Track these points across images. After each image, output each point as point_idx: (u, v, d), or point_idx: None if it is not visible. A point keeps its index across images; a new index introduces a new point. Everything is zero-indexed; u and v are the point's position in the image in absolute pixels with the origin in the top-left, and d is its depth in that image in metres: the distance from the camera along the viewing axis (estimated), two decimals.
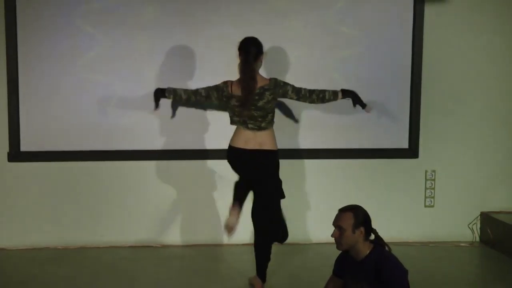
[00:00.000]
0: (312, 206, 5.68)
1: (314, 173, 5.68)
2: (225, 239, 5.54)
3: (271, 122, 4.55)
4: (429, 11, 5.57)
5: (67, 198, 5.50)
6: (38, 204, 5.49)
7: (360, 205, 3.42)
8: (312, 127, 5.59)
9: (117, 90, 5.40)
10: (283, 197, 4.63)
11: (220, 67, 5.30)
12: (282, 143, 5.42)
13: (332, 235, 3.38)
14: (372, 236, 3.41)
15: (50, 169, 5.46)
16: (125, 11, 5.36)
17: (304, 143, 5.61)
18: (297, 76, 5.43)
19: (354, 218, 3.32)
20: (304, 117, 5.56)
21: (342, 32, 5.54)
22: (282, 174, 5.32)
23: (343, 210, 3.39)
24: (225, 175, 5.22)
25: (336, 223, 3.37)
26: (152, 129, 5.44)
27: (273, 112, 4.57)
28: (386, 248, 3.39)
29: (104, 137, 5.44)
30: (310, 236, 5.67)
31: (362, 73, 5.58)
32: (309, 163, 5.65)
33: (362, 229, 3.33)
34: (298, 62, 5.51)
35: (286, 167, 5.46)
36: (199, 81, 5.17)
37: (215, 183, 5.55)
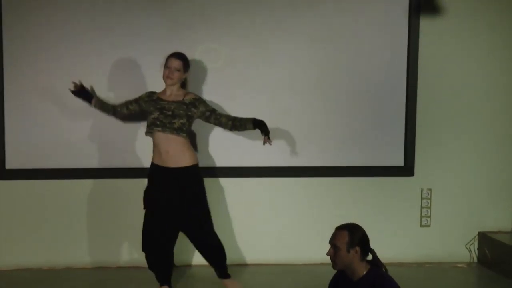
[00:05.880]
0: (303, 226, 5.60)
1: (303, 191, 5.60)
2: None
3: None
4: (424, 25, 5.54)
5: (53, 217, 5.41)
6: (22, 224, 5.39)
7: (357, 224, 3.38)
8: (300, 143, 5.51)
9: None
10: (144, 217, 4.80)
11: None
12: (272, 161, 5.49)
13: (327, 254, 3.35)
14: (370, 257, 3.36)
15: (36, 187, 5.38)
16: (118, 24, 5.30)
17: (293, 161, 5.52)
18: (290, 91, 5.44)
19: (349, 237, 3.29)
20: (290, 133, 5.48)
21: (336, 47, 5.50)
22: (273, 193, 5.24)
23: (339, 228, 3.36)
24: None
25: (332, 241, 3.33)
26: (144, 147, 5.28)
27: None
28: (383, 269, 3.35)
29: (93, 154, 5.36)
30: (303, 256, 5.59)
31: (355, 88, 5.53)
32: (297, 181, 5.57)
33: (357, 248, 3.28)
34: (290, 79, 5.47)
35: (277, 186, 5.55)
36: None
37: None
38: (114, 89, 5.30)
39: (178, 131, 4.62)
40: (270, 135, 4.79)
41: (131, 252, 5.45)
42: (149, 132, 4.72)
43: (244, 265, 5.54)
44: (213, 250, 4.81)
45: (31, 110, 5.30)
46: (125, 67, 5.34)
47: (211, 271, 4.93)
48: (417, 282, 5.17)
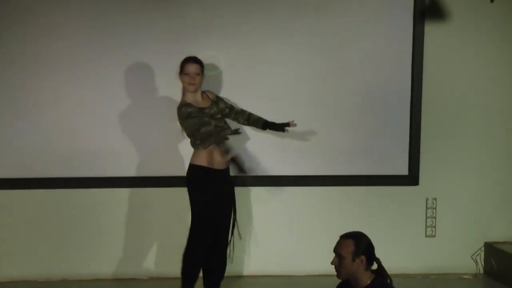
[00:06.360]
0: (306, 235, 5.55)
1: (306, 201, 5.55)
2: None
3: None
4: (429, 32, 5.50)
5: (46, 228, 5.35)
6: (16, 235, 5.33)
7: (363, 232, 3.36)
8: (303, 152, 5.46)
9: (100, 113, 5.28)
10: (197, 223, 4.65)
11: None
12: (274, 170, 5.44)
13: (331, 263, 3.32)
14: (375, 266, 3.33)
15: (29, 197, 5.31)
16: (117, 27, 5.27)
17: (295, 170, 5.48)
18: (293, 100, 5.41)
19: (354, 246, 3.27)
20: (294, 142, 5.43)
21: (339, 54, 5.46)
22: (275, 202, 5.15)
23: (344, 237, 3.34)
24: None
25: (336, 250, 3.31)
26: (139, 154, 5.32)
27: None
28: (388, 280, 3.33)
29: (86, 163, 5.30)
30: (305, 268, 5.52)
31: (360, 96, 5.49)
32: (300, 190, 5.52)
33: (362, 257, 3.26)
34: (293, 86, 5.43)
35: (278, 195, 5.49)
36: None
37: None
38: (113, 91, 5.27)
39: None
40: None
41: (127, 264, 5.39)
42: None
43: (245, 276, 5.49)
44: (222, 261, 4.80)
45: (22, 117, 5.25)
46: (125, 69, 5.29)
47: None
48: None
